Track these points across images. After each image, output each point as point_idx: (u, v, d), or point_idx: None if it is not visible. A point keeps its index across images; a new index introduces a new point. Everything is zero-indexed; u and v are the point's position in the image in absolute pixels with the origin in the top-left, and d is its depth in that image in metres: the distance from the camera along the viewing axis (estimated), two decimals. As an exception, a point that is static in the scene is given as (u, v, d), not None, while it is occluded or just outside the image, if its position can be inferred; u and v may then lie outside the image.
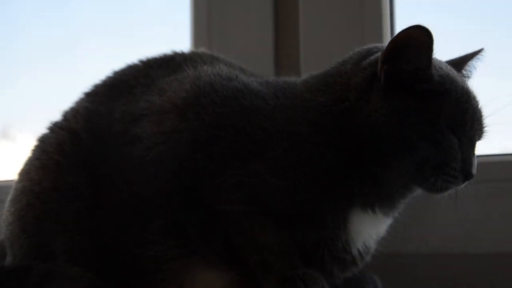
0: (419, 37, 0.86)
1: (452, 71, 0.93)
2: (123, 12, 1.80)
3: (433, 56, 0.88)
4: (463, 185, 0.91)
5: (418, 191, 0.95)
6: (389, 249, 1.04)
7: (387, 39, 1.31)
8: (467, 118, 0.89)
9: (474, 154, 0.91)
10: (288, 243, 0.92)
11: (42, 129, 1.08)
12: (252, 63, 1.22)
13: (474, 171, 0.90)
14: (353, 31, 1.32)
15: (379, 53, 0.91)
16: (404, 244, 1.18)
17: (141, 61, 1.09)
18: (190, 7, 1.46)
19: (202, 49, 1.14)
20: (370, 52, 0.95)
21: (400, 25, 1.35)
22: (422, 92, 0.88)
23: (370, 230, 0.96)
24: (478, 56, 0.99)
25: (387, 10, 1.33)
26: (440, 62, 0.93)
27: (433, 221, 1.19)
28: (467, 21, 1.42)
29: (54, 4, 1.88)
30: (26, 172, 1.03)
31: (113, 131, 0.99)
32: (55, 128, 1.05)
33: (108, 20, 1.79)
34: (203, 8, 1.43)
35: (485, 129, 0.93)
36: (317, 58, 1.33)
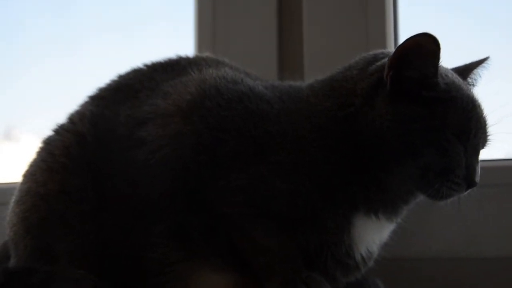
0: (427, 45, 0.86)
1: (457, 79, 0.93)
2: (125, 11, 1.79)
3: (440, 64, 0.89)
4: (466, 193, 0.92)
5: (421, 197, 0.95)
6: (393, 253, 1.04)
7: (390, 41, 1.31)
8: (471, 126, 0.90)
9: (477, 162, 0.92)
10: (291, 246, 0.93)
11: (45, 129, 1.08)
12: (256, 65, 1.22)
13: (477, 179, 0.91)
14: (357, 33, 1.32)
15: (386, 59, 0.91)
16: (407, 248, 1.19)
17: (146, 65, 1.09)
18: (194, 8, 1.46)
19: (207, 54, 1.14)
20: (376, 58, 0.95)
21: (404, 27, 1.36)
22: (427, 99, 0.88)
23: (373, 236, 0.97)
24: (483, 64, 0.99)
25: (390, 12, 1.33)
26: (446, 69, 0.94)
27: (436, 225, 1.20)
28: (471, 22, 1.42)
29: (56, 2, 1.87)
30: (32, 173, 1.03)
31: (118, 135, 1.00)
32: (61, 130, 1.05)
33: (111, 18, 1.79)
34: (208, 10, 1.43)
35: (489, 137, 0.94)
36: (321, 60, 1.33)
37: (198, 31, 1.44)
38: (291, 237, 0.92)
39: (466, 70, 0.99)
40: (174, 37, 1.64)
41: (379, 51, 0.98)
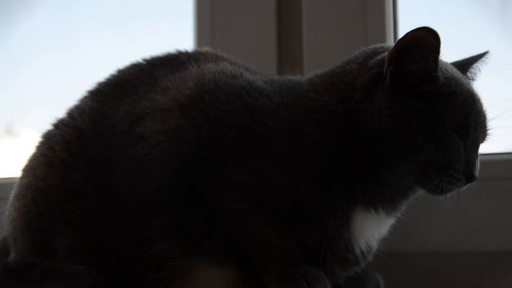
0: (427, 39, 0.86)
1: (457, 73, 0.93)
2: (125, 6, 1.79)
3: (440, 58, 0.88)
4: (465, 187, 0.92)
5: (421, 191, 0.95)
6: (391, 247, 1.04)
7: (390, 36, 1.31)
8: (471, 121, 0.90)
9: (477, 156, 0.92)
10: (290, 241, 0.93)
11: (45, 124, 1.08)
12: (255, 60, 1.22)
13: (477, 173, 0.91)
14: (356, 28, 1.32)
15: (386, 53, 0.91)
16: (407, 242, 1.19)
17: (145, 60, 1.09)
18: (193, 3, 1.46)
19: (206, 48, 1.14)
20: (376, 52, 0.95)
21: (403, 21, 1.35)
22: (427, 94, 0.88)
23: (372, 230, 0.97)
24: (483, 58, 0.99)
25: (390, 6, 1.33)
26: (446, 64, 0.93)
27: (435, 219, 1.20)
28: (471, 16, 1.42)
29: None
30: (32, 168, 1.03)
31: (117, 131, 0.99)
32: (61, 125, 1.04)
33: (111, 13, 1.79)
34: (207, 5, 1.43)
35: (488, 132, 0.94)
36: (320, 55, 1.33)
37: (197, 26, 1.44)
38: (290, 232, 0.92)
39: (465, 65, 0.99)
40: (173, 32, 1.64)
41: (379, 45, 0.98)
